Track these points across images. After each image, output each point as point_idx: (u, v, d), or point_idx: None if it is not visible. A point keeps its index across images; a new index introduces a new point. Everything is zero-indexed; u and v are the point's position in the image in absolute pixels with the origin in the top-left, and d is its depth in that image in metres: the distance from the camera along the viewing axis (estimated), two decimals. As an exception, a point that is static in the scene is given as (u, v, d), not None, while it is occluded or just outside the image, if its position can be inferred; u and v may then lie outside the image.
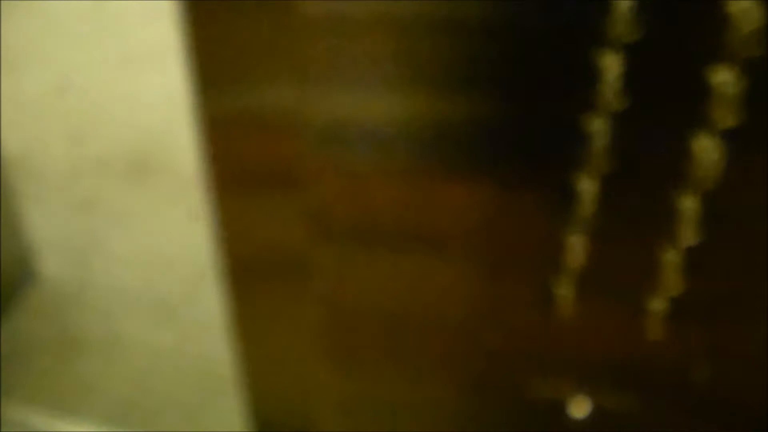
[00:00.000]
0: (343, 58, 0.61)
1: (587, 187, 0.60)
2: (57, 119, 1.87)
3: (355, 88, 0.63)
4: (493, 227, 0.67)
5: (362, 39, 0.60)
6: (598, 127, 0.58)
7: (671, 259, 0.62)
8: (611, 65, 0.55)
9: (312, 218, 0.72)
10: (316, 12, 0.59)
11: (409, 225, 0.70)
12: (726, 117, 0.55)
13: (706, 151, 0.57)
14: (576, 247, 0.63)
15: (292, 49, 0.62)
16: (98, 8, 2.41)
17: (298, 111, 0.65)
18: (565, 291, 0.66)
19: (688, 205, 0.59)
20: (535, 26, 0.56)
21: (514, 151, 0.63)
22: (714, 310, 0.65)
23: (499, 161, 0.64)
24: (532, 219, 0.65)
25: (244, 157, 0.70)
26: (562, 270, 0.65)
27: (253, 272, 0.78)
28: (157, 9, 2.38)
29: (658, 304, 0.65)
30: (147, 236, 1.49)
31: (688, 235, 0.61)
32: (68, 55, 2.21)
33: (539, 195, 0.63)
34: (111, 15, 2.39)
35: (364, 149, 0.66)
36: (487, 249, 0.68)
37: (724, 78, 0.54)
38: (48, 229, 1.51)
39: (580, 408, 0.72)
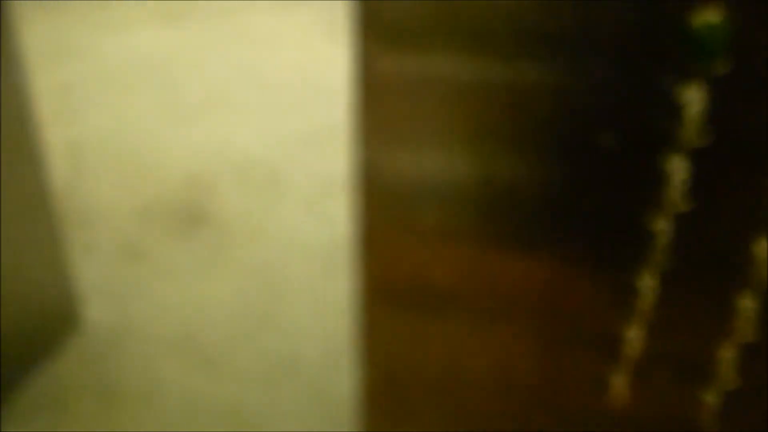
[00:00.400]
0: (413, 118, 0.63)
1: (648, 282, 0.62)
2: (105, 168, 1.91)
3: (423, 149, 0.65)
4: (552, 306, 0.68)
5: (432, 100, 0.62)
6: (662, 226, 0.59)
7: (727, 355, 0.63)
8: (678, 168, 0.56)
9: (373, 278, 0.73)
10: (389, 70, 0.61)
11: (468, 292, 0.71)
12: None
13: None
14: (634, 339, 0.64)
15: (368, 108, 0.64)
16: (148, 57, 2.47)
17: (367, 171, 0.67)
18: (620, 379, 0.67)
19: (747, 304, 0.60)
20: (605, 125, 0.58)
21: (581, 235, 0.64)
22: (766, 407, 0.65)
23: (565, 242, 0.65)
24: (592, 305, 0.66)
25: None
26: (619, 358, 0.66)
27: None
28: (209, 60, 2.44)
29: (712, 397, 0.65)
30: (189, 286, 1.51)
31: (746, 332, 0.62)
32: (120, 104, 2.26)
33: (600, 284, 0.64)
34: (159, 64, 2.45)
35: (431, 212, 0.68)
36: (544, 327, 0.69)
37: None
38: (94, 276, 1.54)
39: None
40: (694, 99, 0.54)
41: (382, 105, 0.64)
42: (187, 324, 1.49)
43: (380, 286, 0.73)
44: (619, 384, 0.67)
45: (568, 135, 0.59)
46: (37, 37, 2.62)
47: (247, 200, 1.79)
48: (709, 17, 0.51)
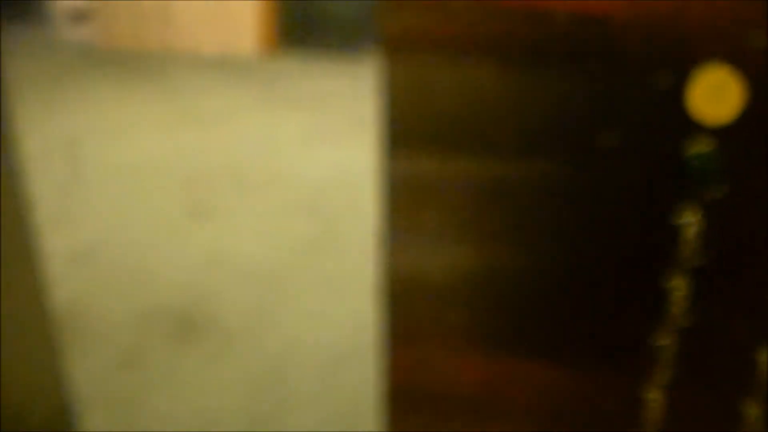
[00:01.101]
0: (436, 219, 0.66)
1: (654, 395, 0.64)
2: (102, 275, 1.93)
3: (435, 245, 0.67)
4: (569, 413, 0.70)
5: (453, 201, 0.65)
6: (666, 341, 0.62)
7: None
8: (678, 286, 0.59)
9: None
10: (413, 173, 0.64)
11: (490, 398, 0.72)
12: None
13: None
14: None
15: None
16: (137, 169, 2.51)
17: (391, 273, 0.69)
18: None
19: (753, 411, 0.62)
20: (610, 238, 0.61)
21: (592, 344, 0.66)
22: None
23: (579, 351, 0.67)
24: (604, 415, 0.68)
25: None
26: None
27: None
28: (198, 171, 2.50)
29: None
30: (187, 395, 1.51)
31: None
32: (119, 208, 2.29)
33: (611, 394, 0.66)
34: (151, 176, 2.49)
35: (454, 314, 0.69)
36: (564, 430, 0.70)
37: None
38: (91, 385, 1.53)
39: None
40: (691, 221, 0.57)
41: (406, 206, 0.66)
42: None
43: (404, 391, 0.74)
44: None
45: (580, 244, 0.62)
46: (42, 138, 2.66)
47: (249, 306, 1.80)
48: (701, 147, 0.55)
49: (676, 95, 0.55)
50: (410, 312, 0.70)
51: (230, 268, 1.96)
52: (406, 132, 0.63)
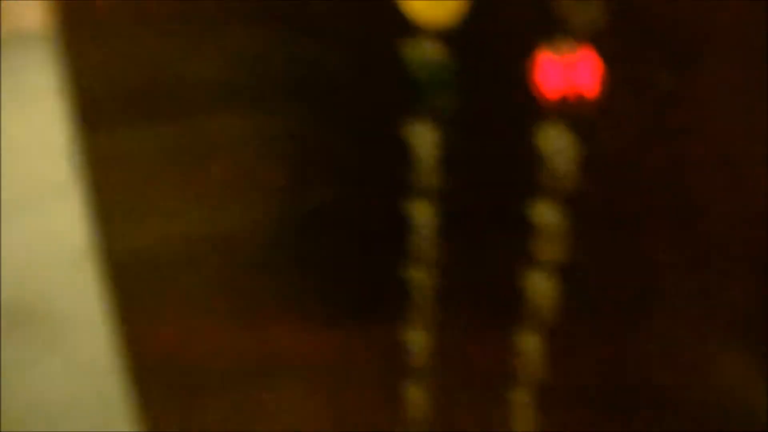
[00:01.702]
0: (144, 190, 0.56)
1: (418, 336, 0.56)
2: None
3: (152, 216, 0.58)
4: (331, 368, 0.62)
5: (158, 169, 0.55)
6: (419, 276, 0.53)
7: (519, 398, 0.58)
8: (422, 214, 0.51)
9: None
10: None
11: (243, 363, 0.64)
12: (552, 252, 0.52)
13: (539, 286, 0.53)
14: (415, 398, 0.58)
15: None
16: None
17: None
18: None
19: (529, 342, 0.56)
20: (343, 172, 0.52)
21: (344, 294, 0.58)
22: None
23: (329, 302, 0.59)
24: (369, 364, 0.60)
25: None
26: (405, 420, 0.60)
27: None
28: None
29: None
30: (16, 384, 1.38)
31: (534, 371, 0.57)
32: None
33: (373, 342, 0.58)
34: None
35: (181, 285, 0.60)
36: (328, 391, 0.62)
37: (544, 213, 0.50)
38: None
39: None
40: (424, 140, 0.48)
41: (108, 180, 0.56)
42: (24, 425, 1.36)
43: (144, 365, 0.65)
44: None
45: (307, 190, 0.53)
46: None
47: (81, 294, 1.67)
48: (426, 52, 0.45)
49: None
50: (137, 287, 0.60)
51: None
52: (100, 108, 0.52)
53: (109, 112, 0.54)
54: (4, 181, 2.12)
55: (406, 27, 0.45)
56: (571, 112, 0.44)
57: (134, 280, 0.61)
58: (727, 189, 0.47)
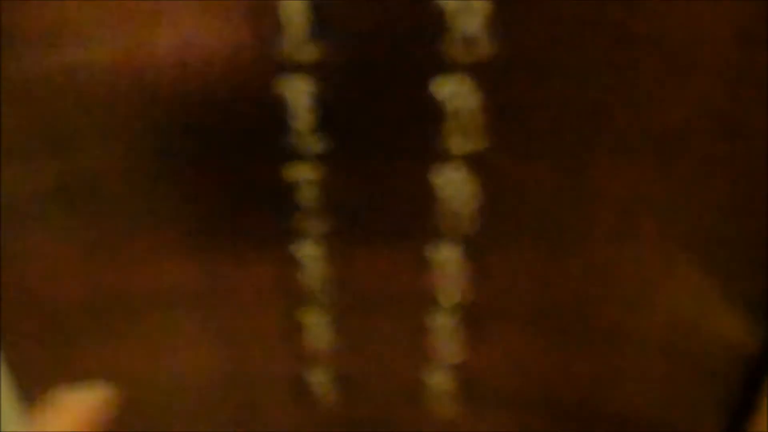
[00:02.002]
0: None
1: (311, 251, 0.46)
2: None
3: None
4: (220, 300, 0.52)
5: None
6: (303, 175, 0.43)
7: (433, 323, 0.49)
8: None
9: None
10: None
11: (126, 299, 0.54)
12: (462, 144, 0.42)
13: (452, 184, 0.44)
14: (314, 325, 0.49)
15: None
16: None
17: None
18: (316, 374, 0.52)
19: (442, 255, 0.46)
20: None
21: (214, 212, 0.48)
22: None
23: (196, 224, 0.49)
24: (258, 294, 0.50)
25: None
26: (304, 352, 0.51)
27: None
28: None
29: (431, 377, 0.52)
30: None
31: (451, 294, 0.48)
32: None
33: (260, 266, 0.49)
34: None
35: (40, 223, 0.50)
36: (217, 324, 0.53)
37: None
38: None
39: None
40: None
41: None
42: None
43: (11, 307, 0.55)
44: (318, 381, 0.52)
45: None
46: None
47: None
48: None
49: None
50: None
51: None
52: None
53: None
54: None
55: None
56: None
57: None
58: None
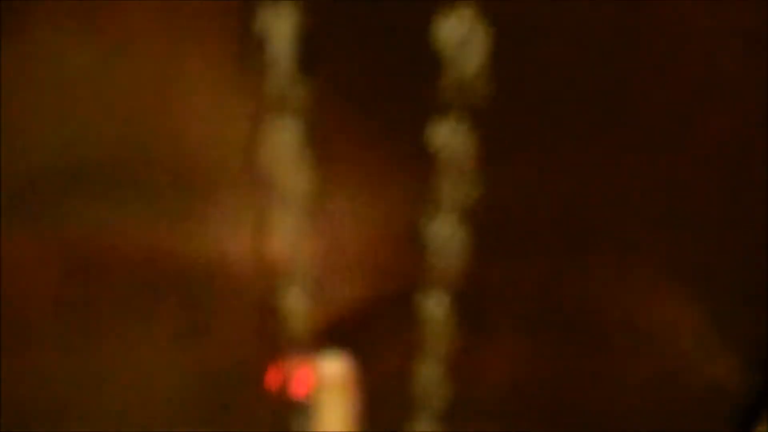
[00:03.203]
0: None
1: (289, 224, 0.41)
2: None
3: None
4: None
5: None
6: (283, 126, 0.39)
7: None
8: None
9: None
10: None
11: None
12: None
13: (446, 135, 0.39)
14: (294, 308, 0.44)
15: None
16: None
17: None
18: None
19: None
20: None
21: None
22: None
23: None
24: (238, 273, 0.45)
25: None
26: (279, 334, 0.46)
27: None
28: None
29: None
30: None
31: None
32: None
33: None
34: None
35: None
36: (180, 320, 0.48)
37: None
38: None
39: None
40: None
41: None
42: None
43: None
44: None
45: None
46: None
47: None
48: None
49: None
50: None
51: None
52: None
53: None
54: None
55: None
56: None
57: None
58: None
